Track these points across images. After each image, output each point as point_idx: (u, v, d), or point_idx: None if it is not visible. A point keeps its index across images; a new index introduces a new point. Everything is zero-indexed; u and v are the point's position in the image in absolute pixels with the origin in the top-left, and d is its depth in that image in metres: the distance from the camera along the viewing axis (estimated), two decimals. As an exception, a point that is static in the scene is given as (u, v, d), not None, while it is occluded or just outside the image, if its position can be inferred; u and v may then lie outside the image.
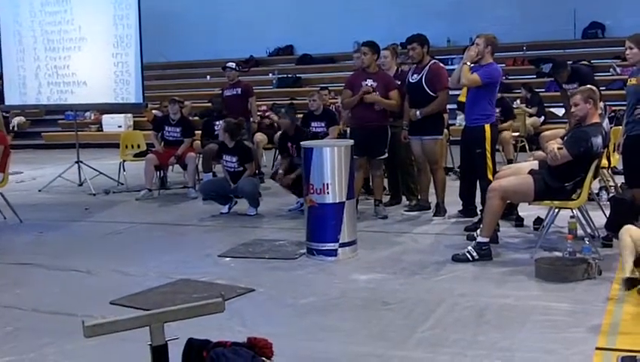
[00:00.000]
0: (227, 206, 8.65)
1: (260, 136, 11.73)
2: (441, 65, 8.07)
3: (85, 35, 11.33)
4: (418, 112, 7.70)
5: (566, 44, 17.30)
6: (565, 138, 6.22)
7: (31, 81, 11.72)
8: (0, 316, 5.15)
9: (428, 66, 7.75)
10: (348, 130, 9.02)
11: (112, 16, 11.17)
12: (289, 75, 18.73)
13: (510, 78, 16.08)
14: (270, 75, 19.10)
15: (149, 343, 2.83)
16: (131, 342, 3.43)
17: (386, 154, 8.08)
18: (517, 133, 12.16)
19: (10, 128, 15.30)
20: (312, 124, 9.80)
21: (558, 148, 5.97)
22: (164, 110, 12.07)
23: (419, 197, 8.28)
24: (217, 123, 10.27)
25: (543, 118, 14.05)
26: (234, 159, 8.64)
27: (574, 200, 6.07)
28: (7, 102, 12.09)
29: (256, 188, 8.67)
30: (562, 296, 5.08)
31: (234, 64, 10.83)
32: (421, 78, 7.73)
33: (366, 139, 7.66)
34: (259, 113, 12.41)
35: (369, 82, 7.90)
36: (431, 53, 8.06)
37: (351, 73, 8.96)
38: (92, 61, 11.34)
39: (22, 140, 17.89)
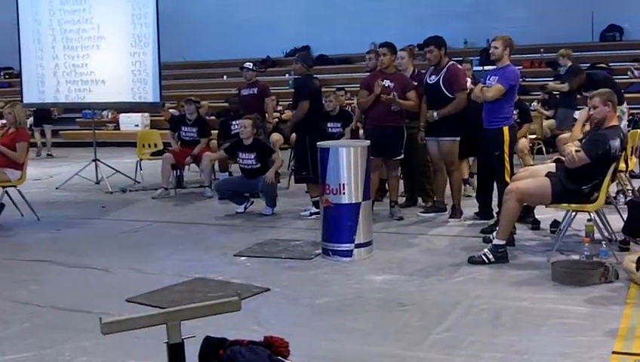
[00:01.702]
0: (243, 205, 8.66)
1: (275, 136, 11.73)
2: (460, 66, 8.04)
3: (104, 34, 11.39)
4: (435, 113, 7.68)
5: (584, 47, 17.19)
6: (583, 140, 6.19)
7: (49, 79, 11.79)
8: (17, 312, 5.19)
9: (446, 67, 7.73)
10: (360, 130, 9.03)
11: (130, 15, 11.23)
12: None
13: (527, 80, 16.01)
14: (287, 75, 19.10)
15: (166, 341, 2.84)
16: (147, 339, 3.45)
17: (402, 155, 8.06)
18: (534, 136, 12.11)
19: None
20: (328, 125, 9.80)
21: (576, 151, 5.94)
22: (181, 110, 12.12)
23: (435, 198, 8.26)
24: (234, 123, 10.28)
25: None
26: (251, 156, 8.60)
27: (592, 203, 6.03)
28: (25, 100, 12.15)
29: (276, 188, 8.68)
30: (579, 299, 5.05)
31: (251, 64, 10.84)
32: (439, 79, 7.71)
33: (382, 139, 7.64)
34: (275, 112, 12.42)
35: (386, 83, 7.88)
36: (448, 54, 8.03)
37: (366, 74, 8.93)
38: (110, 60, 11.39)
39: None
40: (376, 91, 7.78)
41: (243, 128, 8.64)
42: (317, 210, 7.65)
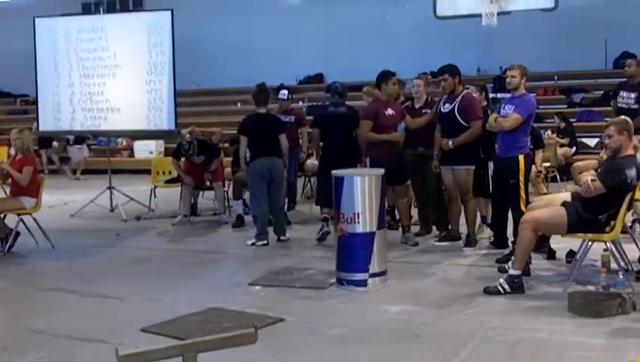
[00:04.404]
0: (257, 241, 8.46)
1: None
2: (474, 94, 8.05)
3: (119, 62, 11.50)
4: (450, 142, 7.68)
5: (597, 74, 17.24)
6: (599, 170, 6.17)
7: (65, 106, 11.90)
8: (32, 341, 5.20)
9: (461, 96, 7.75)
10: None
11: (146, 43, 11.33)
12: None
13: (541, 107, 15.99)
14: (300, 102, 19.17)
15: (182, 373, 2.83)
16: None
17: (409, 180, 8.21)
18: (548, 164, 12.06)
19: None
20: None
21: (592, 180, 5.92)
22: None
23: (449, 227, 8.23)
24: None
25: (574, 148, 13.97)
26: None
27: (608, 232, 5.99)
28: (41, 128, 12.27)
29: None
30: (596, 330, 5.01)
31: (286, 93, 10.53)
32: (453, 107, 7.72)
33: (388, 167, 7.57)
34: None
35: (390, 111, 8.01)
36: (461, 82, 8.04)
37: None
38: (126, 88, 11.50)
39: (54, 165, 18.16)
40: (389, 137, 7.98)
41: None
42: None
